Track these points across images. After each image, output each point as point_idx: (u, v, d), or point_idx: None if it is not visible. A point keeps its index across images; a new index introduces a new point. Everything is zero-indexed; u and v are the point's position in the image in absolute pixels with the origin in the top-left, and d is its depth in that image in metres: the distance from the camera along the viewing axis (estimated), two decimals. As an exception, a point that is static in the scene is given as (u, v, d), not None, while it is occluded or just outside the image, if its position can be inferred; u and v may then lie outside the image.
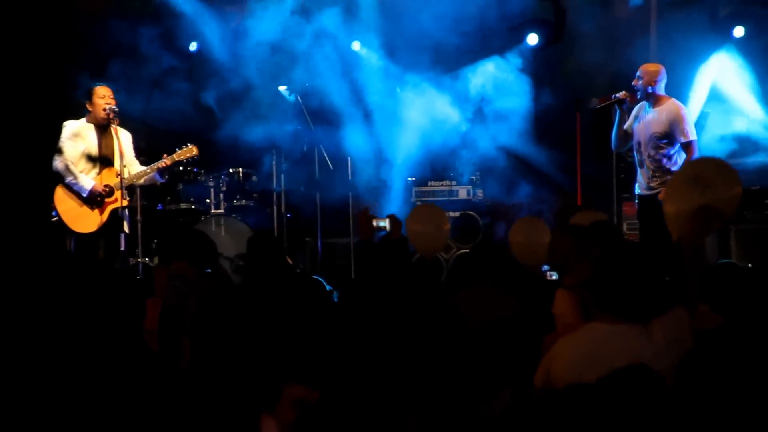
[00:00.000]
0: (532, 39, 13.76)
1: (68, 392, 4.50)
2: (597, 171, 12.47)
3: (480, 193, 13.27)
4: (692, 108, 12.04)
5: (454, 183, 13.31)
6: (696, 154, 9.92)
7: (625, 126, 10.29)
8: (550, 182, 13.49)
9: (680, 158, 9.95)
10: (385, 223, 7.54)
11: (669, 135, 9.93)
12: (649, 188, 10.07)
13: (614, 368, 3.49)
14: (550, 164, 13.37)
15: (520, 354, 5.34)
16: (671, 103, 10.05)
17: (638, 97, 10.18)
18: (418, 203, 13.14)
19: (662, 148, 9.96)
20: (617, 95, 10.30)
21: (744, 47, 12.96)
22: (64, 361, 4.67)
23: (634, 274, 4.41)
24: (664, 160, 9.97)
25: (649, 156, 10.03)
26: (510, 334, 5.90)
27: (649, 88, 10.04)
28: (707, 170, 6.05)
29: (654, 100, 10.08)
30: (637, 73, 10.17)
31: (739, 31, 13.03)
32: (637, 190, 10.31)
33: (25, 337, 4.92)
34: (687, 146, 9.92)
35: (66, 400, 4.47)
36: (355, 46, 14.04)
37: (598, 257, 4.58)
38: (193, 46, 14.03)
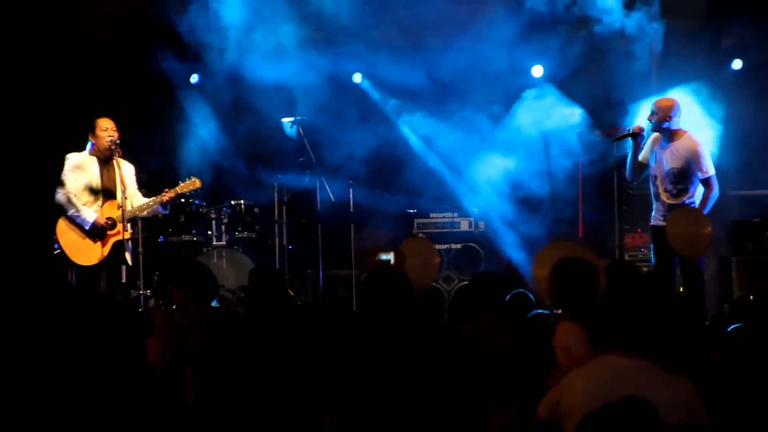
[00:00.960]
0: (537, 71, 13.75)
1: (70, 426, 4.49)
2: (598, 203, 12.47)
3: (482, 224, 13.26)
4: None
5: (455, 215, 13.31)
6: (715, 189, 9.98)
7: (640, 157, 10.32)
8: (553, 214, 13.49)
9: (697, 192, 10.00)
10: (389, 257, 7.51)
11: (686, 170, 9.98)
12: (666, 220, 10.08)
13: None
14: (553, 195, 13.36)
15: (521, 384, 5.33)
16: (688, 139, 10.08)
17: (651, 131, 10.20)
18: (420, 235, 13.15)
19: (679, 182, 10.01)
20: (631, 128, 10.34)
21: (742, 80, 12.99)
22: (66, 395, 4.67)
23: (652, 307, 4.36)
24: (681, 195, 10.00)
25: (666, 190, 10.07)
26: (511, 364, 5.90)
27: (664, 123, 10.07)
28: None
29: (670, 134, 10.10)
30: (652, 108, 10.17)
31: (737, 64, 13.10)
32: (654, 221, 10.30)
33: (26, 370, 4.92)
34: (706, 182, 9.98)
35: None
36: (356, 77, 14.08)
37: (616, 289, 4.54)
38: (194, 79, 14.06)
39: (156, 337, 6.70)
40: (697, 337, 4.61)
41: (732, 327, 5.91)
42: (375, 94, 14.02)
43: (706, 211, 9.94)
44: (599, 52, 13.02)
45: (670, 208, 10.04)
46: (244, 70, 13.48)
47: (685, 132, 10.18)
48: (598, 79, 12.99)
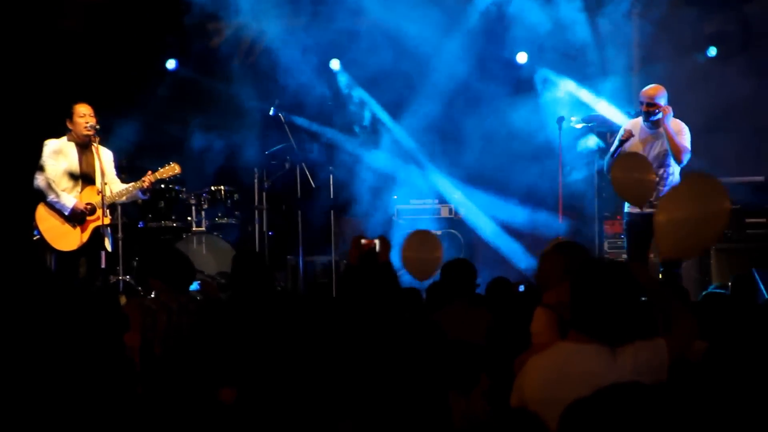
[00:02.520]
0: (522, 58, 13.74)
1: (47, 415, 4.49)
2: (578, 190, 12.50)
3: (462, 211, 13.27)
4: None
5: (435, 201, 13.31)
6: (685, 162, 10.00)
7: (625, 148, 10.30)
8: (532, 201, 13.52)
9: (677, 171, 10.03)
10: (375, 244, 7.52)
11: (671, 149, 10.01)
12: (650, 205, 10.05)
13: (578, 388, 3.46)
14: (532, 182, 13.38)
15: (496, 367, 5.37)
16: (673, 122, 10.10)
17: (651, 121, 10.14)
18: (401, 221, 13.15)
19: (667, 166, 10.04)
20: (622, 137, 10.23)
21: (714, 68, 13.05)
22: (45, 381, 4.66)
23: (605, 292, 4.37)
24: (670, 177, 10.03)
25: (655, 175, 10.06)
26: (487, 346, 5.93)
27: (658, 110, 10.06)
28: (701, 185, 6.20)
29: (658, 121, 10.11)
30: (655, 100, 10.07)
31: (711, 51, 13.20)
32: (632, 209, 10.27)
33: (6, 356, 4.91)
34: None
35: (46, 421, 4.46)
36: (334, 64, 14.06)
37: (573, 275, 4.55)
38: (171, 64, 14.01)
39: (133, 332, 6.71)
40: (641, 309, 4.59)
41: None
42: (354, 81, 14.00)
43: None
44: (582, 34, 13.03)
45: (658, 192, 10.03)
46: (223, 56, 13.48)
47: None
48: (579, 64, 13.01)
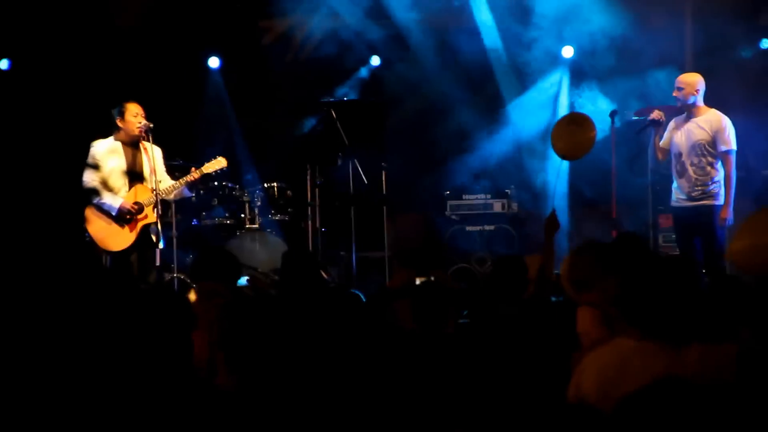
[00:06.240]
0: (567, 52, 13.64)
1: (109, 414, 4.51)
2: (632, 182, 12.37)
3: (515, 206, 13.20)
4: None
5: (489, 196, 13.24)
6: (734, 167, 9.92)
7: (661, 143, 10.28)
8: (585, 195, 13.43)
9: (722, 167, 9.93)
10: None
11: (712, 143, 9.92)
12: (690, 198, 10.00)
13: (638, 385, 3.42)
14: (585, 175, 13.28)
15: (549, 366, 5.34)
16: (713, 113, 10.06)
17: (678, 106, 10.16)
18: (453, 217, 13.08)
19: (706, 156, 9.94)
20: (651, 117, 10.30)
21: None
22: (108, 384, 4.68)
23: (666, 289, 4.29)
24: (708, 168, 9.94)
25: (692, 164, 9.99)
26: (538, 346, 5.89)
27: (691, 98, 10.02)
28: None
29: (695, 110, 10.06)
30: (676, 85, 10.13)
31: (765, 44, 13.11)
32: (675, 203, 10.25)
33: (68, 365, 4.93)
34: (725, 155, 9.91)
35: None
36: (374, 60, 14.07)
37: (628, 270, 4.48)
38: (214, 63, 14.02)
39: (200, 330, 6.72)
40: (709, 310, 4.50)
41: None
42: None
43: (732, 192, 9.90)
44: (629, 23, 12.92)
45: (695, 184, 9.96)
46: (271, 51, 13.52)
47: (710, 108, 10.14)
48: (629, 57, 12.90)
